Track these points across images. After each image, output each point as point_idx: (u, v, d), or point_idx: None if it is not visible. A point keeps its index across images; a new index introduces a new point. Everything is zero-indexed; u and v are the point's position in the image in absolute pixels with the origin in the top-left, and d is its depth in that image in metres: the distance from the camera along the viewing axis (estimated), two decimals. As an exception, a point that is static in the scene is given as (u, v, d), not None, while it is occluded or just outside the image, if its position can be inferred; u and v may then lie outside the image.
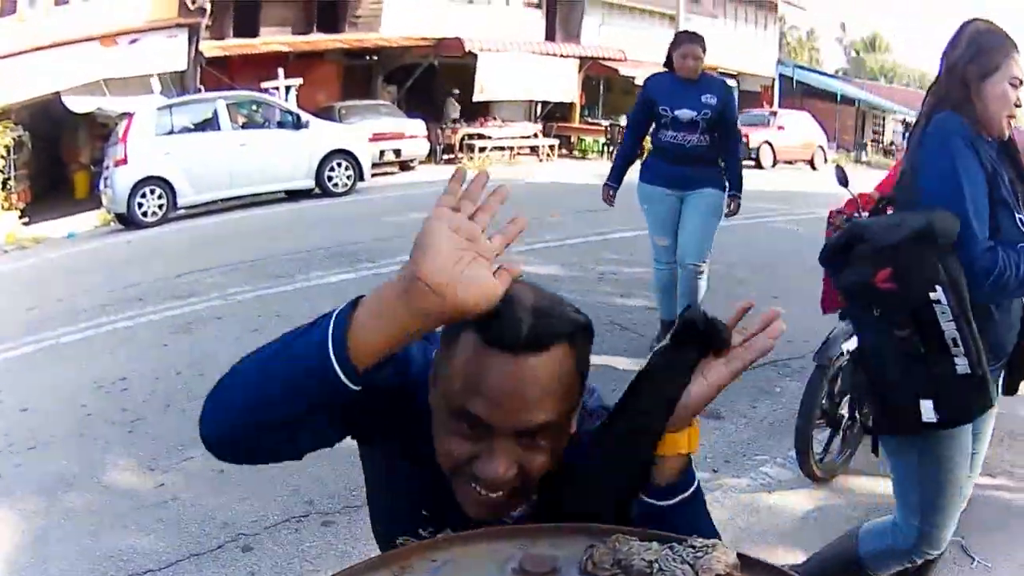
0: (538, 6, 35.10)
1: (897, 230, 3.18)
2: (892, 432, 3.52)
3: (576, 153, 33.44)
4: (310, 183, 19.98)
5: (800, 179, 28.16)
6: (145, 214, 17.80)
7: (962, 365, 3.11)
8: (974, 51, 3.46)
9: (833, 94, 52.37)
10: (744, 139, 29.55)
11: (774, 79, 48.72)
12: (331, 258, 12.47)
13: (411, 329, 1.47)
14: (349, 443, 1.91)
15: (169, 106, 19.37)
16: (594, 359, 1.73)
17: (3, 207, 20.66)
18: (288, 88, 24.60)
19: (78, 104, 22.94)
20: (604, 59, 33.98)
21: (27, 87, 21.92)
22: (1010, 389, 3.64)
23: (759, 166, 31.31)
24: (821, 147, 37.43)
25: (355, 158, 20.47)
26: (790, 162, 34.14)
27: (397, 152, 25.68)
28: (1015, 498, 5.56)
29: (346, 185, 20.32)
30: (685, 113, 7.31)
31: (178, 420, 6.63)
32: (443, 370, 1.66)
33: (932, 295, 3.09)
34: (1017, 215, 3.30)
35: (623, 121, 33.17)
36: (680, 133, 7.41)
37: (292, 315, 8.95)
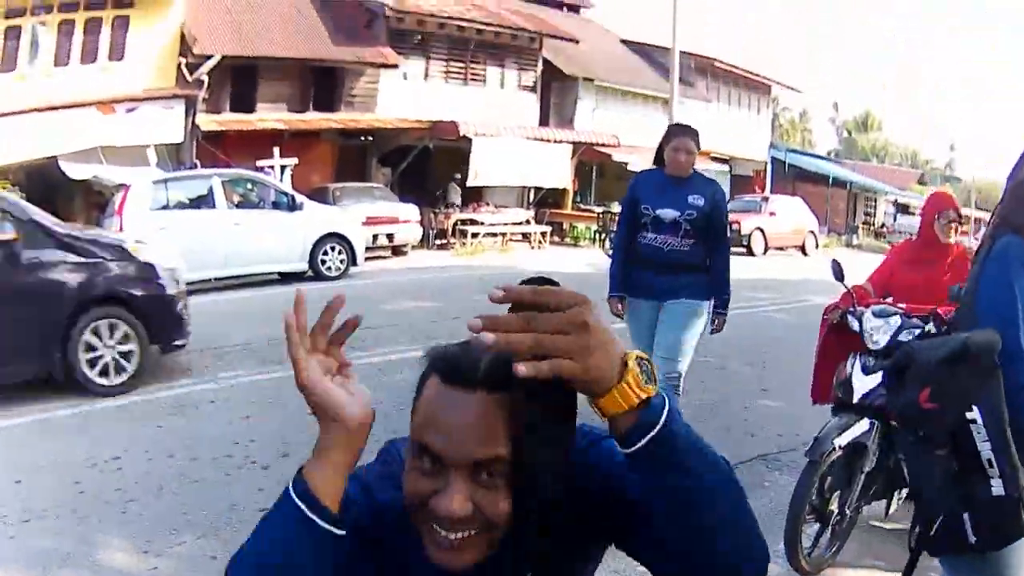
0: (532, 90, 35.45)
1: (938, 350, 3.19)
2: (937, 553, 3.50)
3: (568, 240, 33.63)
4: (303, 266, 19.91)
5: (791, 266, 28.46)
6: (138, 289, 17.70)
7: (997, 487, 3.08)
8: None
9: (825, 176, 52.54)
10: (736, 226, 29.80)
11: (766, 163, 49.09)
12: None
13: (350, 463, 1.66)
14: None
15: (165, 180, 19.44)
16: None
17: (-3, 271, 20.75)
18: (283, 167, 24.70)
19: (75, 170, 23.05)
20: (597, 145, 34.13)
21: (25, 148, 22.12)
22: None
23: (750, 253, 31.60)
24: (812, 232, 37.67)
25: (349, 242, 20.56)
26: (781, 248, 34.32)
27: (390, 237, 25.81)
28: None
29: (339, 269, 20.29)
30: (667, 213, 6.97)
31: (171, 503, 6.63)
32: (416, 406, 1.72)
33: (968, 415, 3.07)
34: None
35: (615, 208, 32.46)
36: (660, 235, 7.04)
37: (285, 402, 9.10)
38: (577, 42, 36.49)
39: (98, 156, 23.08)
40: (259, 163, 23.56)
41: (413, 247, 27.10)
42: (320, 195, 23.84)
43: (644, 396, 1.54)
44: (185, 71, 25.93)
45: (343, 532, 1.62)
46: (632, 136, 35.91)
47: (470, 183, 29.94)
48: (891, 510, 6.22)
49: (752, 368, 11.47)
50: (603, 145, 34.25)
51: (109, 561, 5.84)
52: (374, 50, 30.41)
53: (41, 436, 8.59)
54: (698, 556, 1.62)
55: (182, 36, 26.69)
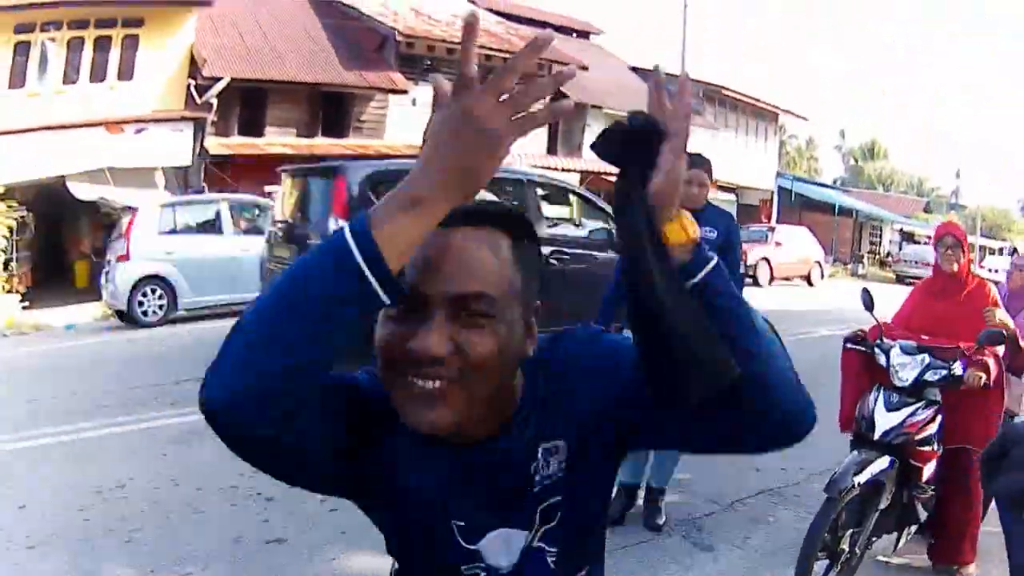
0: None
1: None
2: None
3: None
4: None
5: (797, 297, 28.41)
6: (145, 313, 17.92)
7: None
8: None
9: (831, 205, 52.67)
10: (742, 257, 29.87)
11: (773, 192, 49.21)
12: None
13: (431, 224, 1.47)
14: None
15: (173, 204, 19.55)
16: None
17: (4, 289, 20.87)
18: None
19: (82, 191, 23.10)
20: (605, 173, 33.88)
21: (33, 168, 22.17)
22: None
23: (756, 283, 31.46)
24: (819, 262, 37.66)
25: None
26: (787, 278, 34.28)
27: None
28: None
29: None
30: None
31: (176, 533, 6.62)
32: None
33: None
34: None
35: None
36: None
37: None
38: (586, 69, 35.70)
39: (105, 177, 23.09)
40: (267, 188, 23.32)
41: None
42: None
43: (693, 234, 1.63)
44: (194, 93, 26.04)
45: (391, 303, 1.47)
46: None
47: None
48: (900, 544, 6.26)
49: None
50: (610, 174, 33.61)
51: (115, 591, 5.81)
52: (383, 75, 30.56)
53: (46, 462, 8.61)
54: (756, 390, 1.64)
55: (191, 57, 26.81)
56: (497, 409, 1.72)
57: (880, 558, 6.43)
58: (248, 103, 28.19)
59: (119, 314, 18.52)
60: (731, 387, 1.60)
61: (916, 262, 48.64)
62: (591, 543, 1.92)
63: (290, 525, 6.67)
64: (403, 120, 30.83)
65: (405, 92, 30.59)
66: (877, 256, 60.44)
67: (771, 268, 33.36)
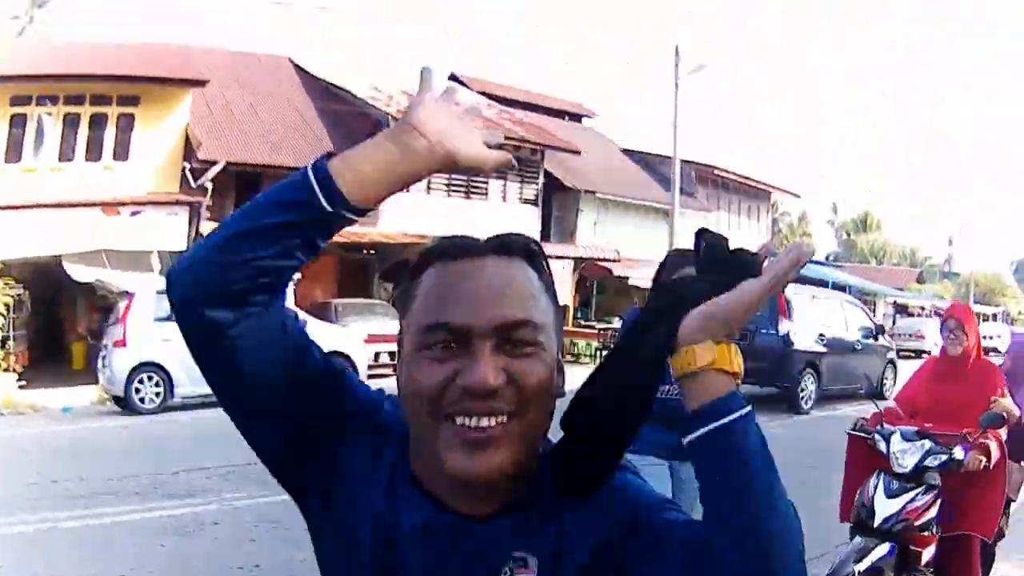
0: (534, 203, 35.67)
1: None
2: None
3: (569, 357, 32.57)
4: None
5: None
6: (143, 400, 18.14)
7: None
8: None
9: (824, 282, 52.07)
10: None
11: (766, 271, 49.00)
12: None
13: (399, 167, 1.55)
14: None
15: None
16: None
17: (1, 367, 21.03)
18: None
19: (79, 272, 23.17)
20: (598, 259, 34.43)
21: (28, 245, 22.29)
22: None
23: (748, 366, 31.38)
24: None
25: (351, 361, 20.53)
26: None
27: (392, 355, 24.40)
28: None
29: None
30: None
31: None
32: (413, 304, 1.60)
33: None
34: None
35: (616, 324, 32.64)
36: (671, 385, 5.11)
37: (290, 526, 8.67)
38: (579, 153, 36.87)
39: (102, 259, 23.28)
40: None
41: None
42: (322, 311, 24.22)
43: (739, 372, 1.50)
44: (189, 176, 26.27)
45: (343, 221, 1.54)
46: (633, 249, 36.34)
47: None
48: None
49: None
50: (604, 260, 34.63)
51: None
52: None
53: (48, 548, 8.70)
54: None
55: (187, 138, 27.11)
56: (531, 462, 1.60)
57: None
58: (243, 187, 27.85)
59: (116, 399, 18.68)
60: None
61: (910, 335, 48.83)
62: None
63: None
64: (397, 207, 30.64)
65: None
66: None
67: (764, 349, 33.15)
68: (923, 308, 67.91)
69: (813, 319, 21.75)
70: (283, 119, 31.00)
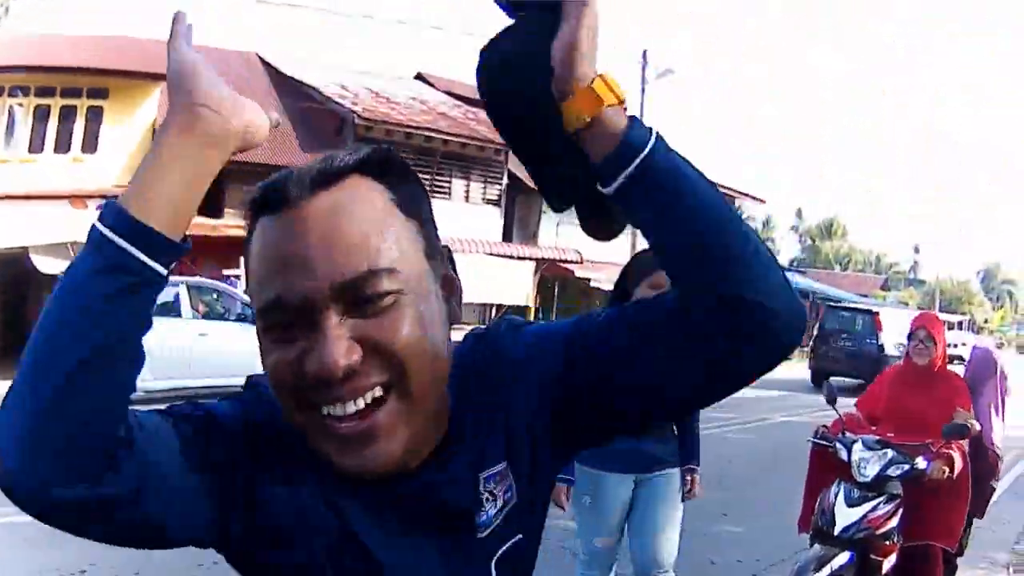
0: (497, 203, 35.95)
1: None
2: None
3: None
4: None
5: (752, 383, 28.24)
6: (107, 395, 17.99)
7: None
8: None
9: (785, 287, 52.58)
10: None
11: (728, 278, 49.15)
12: None
13: (202, 165, 1.34)
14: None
15: None
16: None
17: (-31, 359, 20.99)
18: None
19: (46, 265, 23.05)
20: (560, 261, 34.49)
21: (-3, 236, 22.45)
22: None
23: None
24: None
25: None
26: None
27: None
28: None
29: None
30: None
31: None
32: (249, 276, 1.41)
33: None
34: None
35: None
36: None
37: None
38: None
39: (68, 252, 22.85)
40: (225, 272, 23.98)
41: None
42: None
43: (623, 98, 1.38)
44: None
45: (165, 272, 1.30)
46: (596, 251, 36.11)
47: None
48: None
49: (711, 491, 11.65)
50: (566, 261, 34.73)
51: None
52: None
53: (9, 544, 8.75)
54: (722, 310, 1.36)
55: (154, 132, 26.72)
56: (436, 423, 1.45)
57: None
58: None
59: (80, 392, 18.61)
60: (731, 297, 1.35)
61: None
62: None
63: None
64: None
65: None
66: (835, 337, 60.47)
67: (726, 357, 33.79)
68: (887, 315, 68.59)
69: (896, 331, 26.36)
70: None
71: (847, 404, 7.25)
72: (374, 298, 1.31)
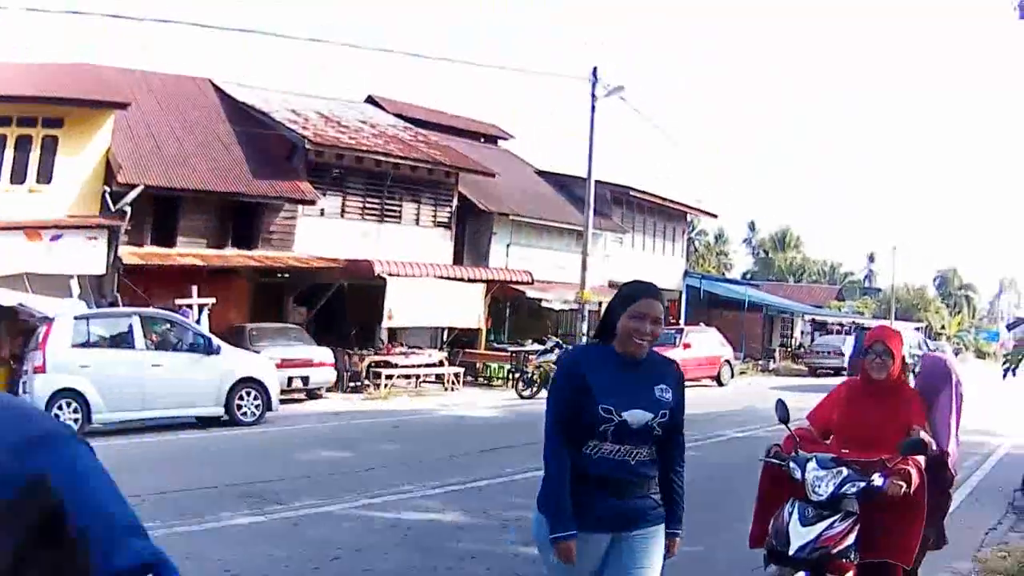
0: (447, 226, 36.21)
1: None
2: None
3: (482, 380, 34.12)
4: (220, 411, 20.25)
5: (705, 399, 28.47)
6: (62, 426, 18.42)
7: None
8: None
9: (740, 301, 53.70)
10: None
11: (681, 292, 50.41)
12: (242, 498, 12.30)
13: None
14: None
15: (86, 317, 20.27)
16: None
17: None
18: (201, 307, 24.94)
19: (1, 296, 22.87)
20: (511, 282, 34.69)
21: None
22: None
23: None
24: (728, 361, 38.97)
25: (264, 387, 20.98)
26: (696, 379, 34.33)
27: (305, 380, 26.08)
28: None
29: (255, 415, 20.66)
30: (638, 416, 4.82)
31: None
32: None
33: None
34: None
35: (529, 345, 34.18)
36: (624, 447, 4.85)
37: (203, 557, 9.29)
38: (494, 175, 37.60)
39: (24, 284, 23.63)
40: (178, 302, 24.19)
41: (328, 390, 27.48)
42: (236, 335, 24.91)
43: None
44: (109, 200, 26.62)
45: None
46: (547, 271, 37.34)
47: (385, 325, 30.36)
48: None
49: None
50: (517, 283, 34.95)
51: None
52: (292, 185, 31.14)
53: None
54: None
55: (108, 163, 27.48)
56: None
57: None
58: (161, 211, 28.70)
59: (37, 425, 19.05)
60: None
61: (829, 352, 49.80)
62: None
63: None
64: (311, 231, 31.56)
65: (313, 202, 31.42)
66: (789, 349, 61.35)
67: (680, 372, 34.41)
68: (842, 325, 69.35)
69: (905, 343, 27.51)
70: (202, 142, 31.59)
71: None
72: None
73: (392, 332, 32.04)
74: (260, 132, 32.77)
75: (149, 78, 34.40)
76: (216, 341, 20.81)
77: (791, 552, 5.92)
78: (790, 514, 6.09)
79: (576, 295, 35.61)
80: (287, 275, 30.70)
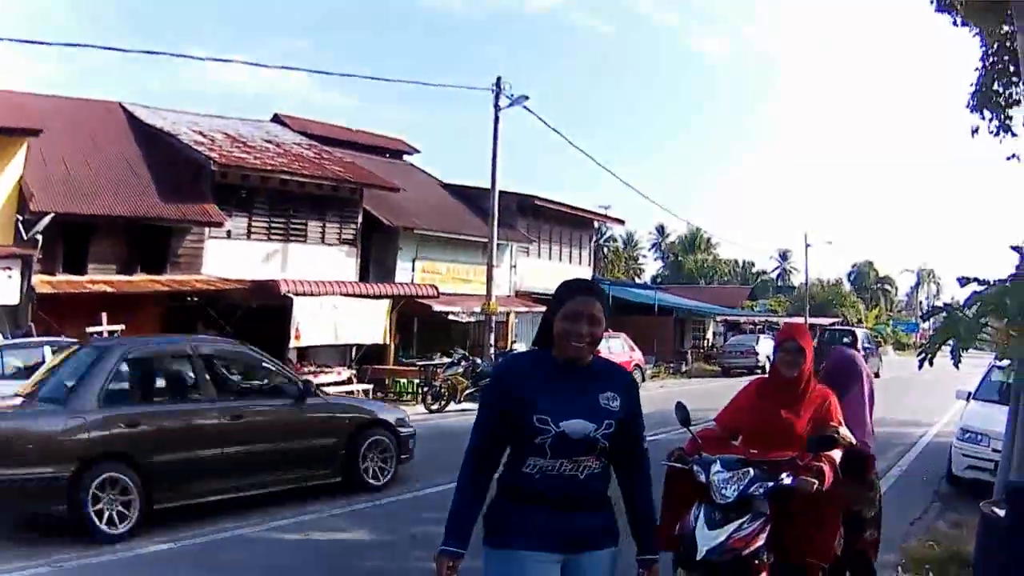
0: (353, 243, 36.84)
1: None
2: None
3: (391, 395, 33.91)
4: None
5: None
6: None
7: None
8: None
9: (650, 306, 54.46)
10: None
11: (586, 299, 50.82)
12: (152, 525, 12.03)
13: None
14: None
15: (1, 348, 20.69)
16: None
17: None
18: (112, 334, 24.19)
19: None
20: (417, 296, 35.11)
21: None
22: None
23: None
24: (639, 366, 40.30)
25: None
26: None
27: None
28: None
29: None
30: (578, 427, 4.49)
31: None
32: None
33: None
34: None
35: (437, 359, 34.60)
36: (569, 460, 4.53)
37: None
38: (398, 190, 38.43)
39: None
40: (88, 330, 24.10)
41: None
42: None
43: None
44: (22, 229, 26.99)
45: None
46: (454, 284, 38.50)
47: (292, 345, 30.04)
48: None
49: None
50: (423, 297, 35.37)
51: None
52: (199, 207, 31.56)
53: None
54: None
55: (20, 192, 27.73)
56: None
57: None
58: (71, 239, 28.86)
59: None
60: None
61: (741, 352, 52.18)
62: None
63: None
64: (219, 253, 32.05)
65: (220, 224, 31.88)
66: (702, 351, 62.91)
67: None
68: (755, 324, 70.92)
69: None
70: (112, 167, 32.11)
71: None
72: None
73: (303, 351, 31.81)
74: (166, 154, 33.24)
75: (59, 103, 34.47)
76: (124, 369, 20.37)
77: (699, 556, 5.84)
78: (696, 518, 6.03)
79: (483, 306, 36.35)
80: (196, 298, 30.58)
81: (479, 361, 32.75)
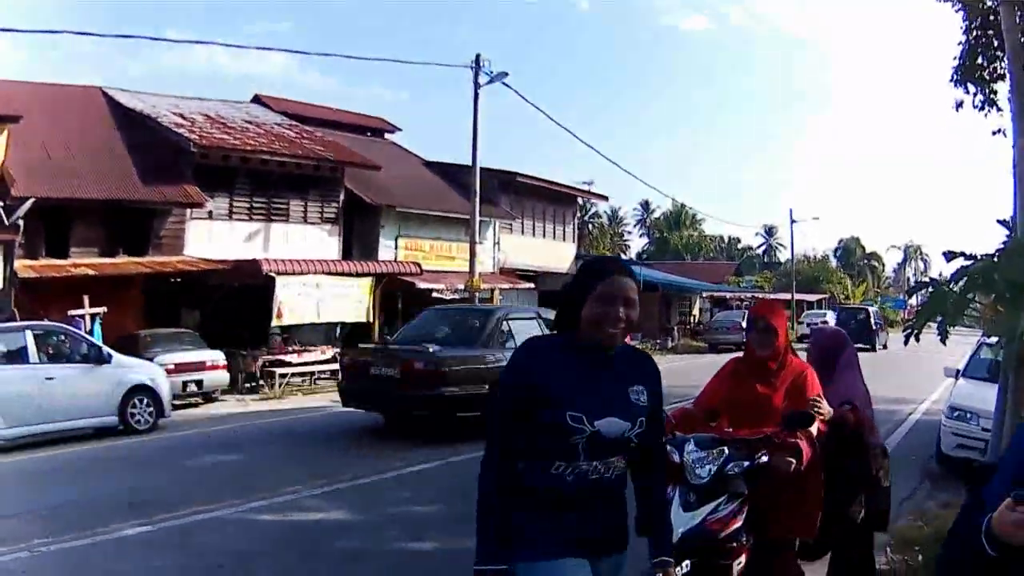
0: (335, 222, 37.30)
1: None
2: None
3: None
4: (114, 420, 20.04)
5: None
6: (-39, 444, 19.01)
7: None
8: None
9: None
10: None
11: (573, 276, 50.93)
12: (131, 508, 12.16)
13: None
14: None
15: None
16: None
17: None
18: (94, 316, 25.40)
19: None
20: (400, 274, 35.15)
21: None
22: None
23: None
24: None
25: (157, 394, 20.85)
26: None
27: (199, 383, 26.04)
28: None
29: (148, 422, 20.52)
30: (614, 427, 4.09)
31: None
32: None
33: None
34: None
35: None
36: (597, 462, 4.13)
37: (88, 571, 9.55)
38: (379, 168, 38.74)
39: None
40: (71, 313, 24.59)
41: (223, 391, 27.47)
42: (130, 342, 24.75)
43: None
44: (3, 214, 26.70)
45: None
46: (437, 261, 38.68)
47: (274, 324, 30.16)
48: None
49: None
50: (406, 274, 35.38)
51: None
52: (180, 189, 31.88)
53: None
54: None
55: (1, 178, 27.92)
56: None
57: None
58: (53, 223, 29.11)
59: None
60: None
61: (728, 328, 52.72)
62: None
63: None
64: (201, 234, 32.42)
65: (201, 205, 32.32)
66: (688, 327, 63.26)
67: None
68: (741, 300, 71.17)
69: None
70: (92, 151, 32.39)
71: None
72: None
73: (287, 330, 31.90)
74: (147, 137, 33.58)
75: (39, 89, 34.79)
76: (106, 350, 20.83)
77: (674, 540, 5.15)
78: (670, 500, 5.65)
79: (466, 284, 36.55)
80: (179, 279, 30.78)
81: (464, 337, 32.59)
